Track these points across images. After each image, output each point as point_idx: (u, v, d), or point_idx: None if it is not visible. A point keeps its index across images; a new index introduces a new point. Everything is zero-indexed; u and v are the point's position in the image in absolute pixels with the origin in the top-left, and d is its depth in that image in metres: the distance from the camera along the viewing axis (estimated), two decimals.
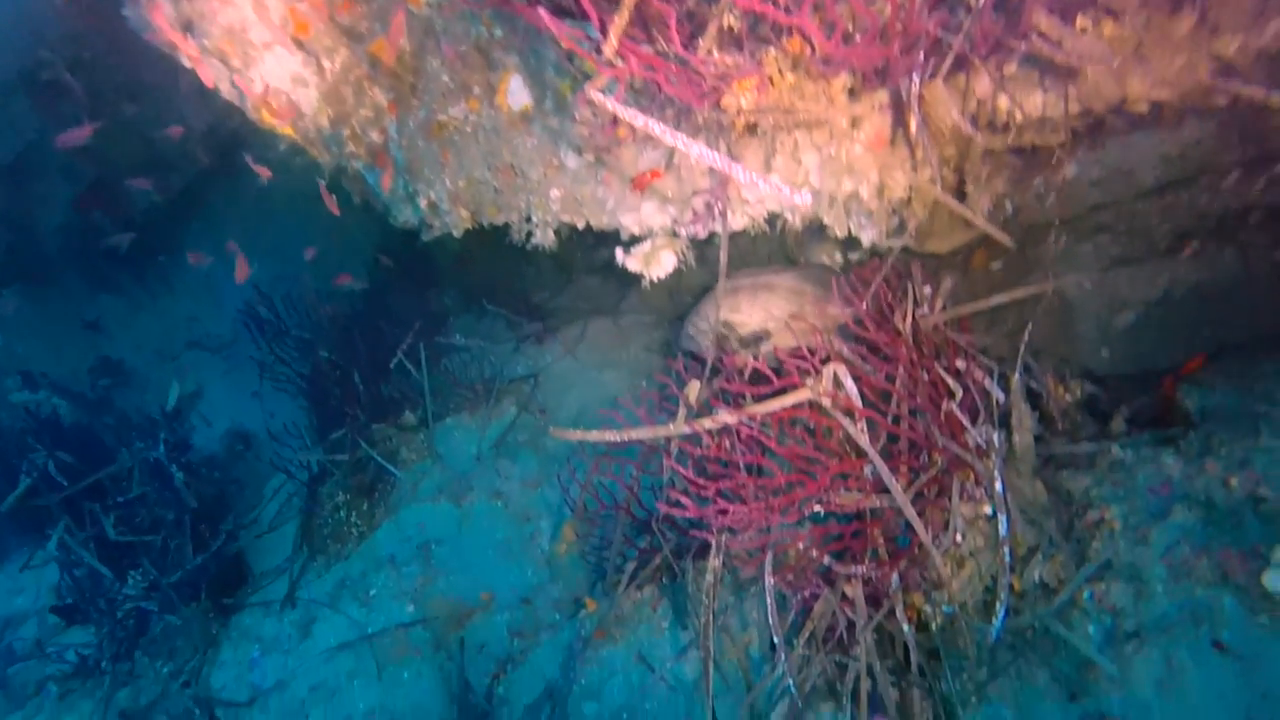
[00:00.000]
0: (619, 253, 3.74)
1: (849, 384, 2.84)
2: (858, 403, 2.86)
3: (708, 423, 2.85)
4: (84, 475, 5.23)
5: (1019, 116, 2.89)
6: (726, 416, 2.82)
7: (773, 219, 3.54)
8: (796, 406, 2.80)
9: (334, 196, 4.20)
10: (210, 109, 6.95)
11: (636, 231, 3.68)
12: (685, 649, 3.16)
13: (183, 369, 8.06)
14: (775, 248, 4.59)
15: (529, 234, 3.84)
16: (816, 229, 3.60)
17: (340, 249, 6.92)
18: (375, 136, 3.89)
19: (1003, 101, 2.87)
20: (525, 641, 4.04)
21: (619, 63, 2.55)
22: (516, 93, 3.50)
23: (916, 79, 2.76)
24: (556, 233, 3.81)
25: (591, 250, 5.87)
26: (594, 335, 5.78)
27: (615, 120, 3.01)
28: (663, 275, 3.69)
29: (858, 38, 2.64)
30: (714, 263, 3.45)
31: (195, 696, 4.26)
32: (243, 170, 5.12)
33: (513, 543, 4.60)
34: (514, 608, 4.26)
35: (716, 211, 3.24)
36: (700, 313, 4.36)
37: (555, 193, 3.65)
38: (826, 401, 2.77)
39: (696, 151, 2.22)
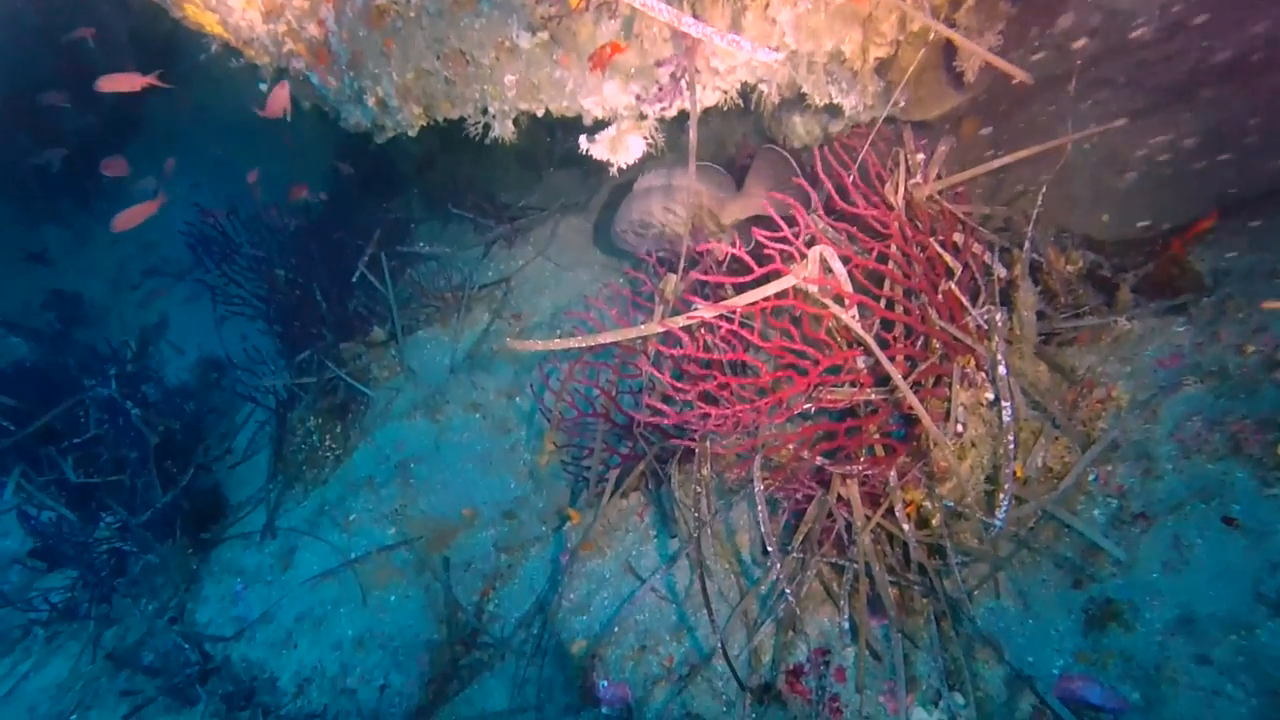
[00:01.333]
0: (583, 140, 3.43)
1: (838, 266, 2.59)
2: (848, 287, 2.61)
3: (682, 320, 2.61)
4: (34, 418, 4.99)
5: None
6: (703, 311, 2.57)
7: (746, 92, 3.22)
8: (780, 295, 2.55)
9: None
10: (130, 10, 6.38)
11: (600, 115, 3.36)
12: (674, 558, 3.03)
13: (147, 301, 7.75)
14: (751, 126, 4.27)
15: (486, 126, 3.53)
16: (795, 100, 3.28)
17: (297, 161, 6.52)
18: (314, 30, 3.49)
19: None
20: (512, 556, 3.94)
21: None
22: None
23: None
24: (515, 123, 3.51)
25: (558, 144, 5.54)
26: (565, 234, 5.49)
27: None
28: (631, 161, 3.39)
29: None
30: (684, 148, 3.16)
31: (183, 633, 4.17)
32: (179, 79, 4.72)
33: (493, 456, 4.45)
34: (498, 523, 4.15)
35: (683, 83, 2.90)
36: (625, 213, 4.23)
37: (510, 78, 3.31)
38: (813, 288, 2.52)
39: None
